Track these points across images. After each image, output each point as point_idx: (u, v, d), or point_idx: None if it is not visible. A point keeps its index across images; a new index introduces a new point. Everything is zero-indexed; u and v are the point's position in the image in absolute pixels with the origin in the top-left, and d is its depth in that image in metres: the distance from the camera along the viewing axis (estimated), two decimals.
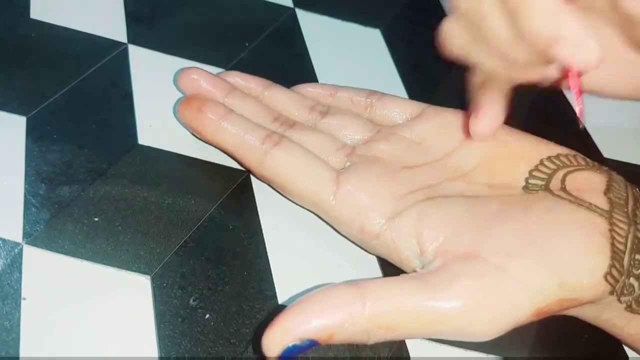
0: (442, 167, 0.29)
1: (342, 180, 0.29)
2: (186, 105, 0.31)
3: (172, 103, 0.34)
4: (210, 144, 0.32)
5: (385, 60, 0.40)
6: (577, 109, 0.26)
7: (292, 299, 0.28)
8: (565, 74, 0.26)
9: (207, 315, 0.27)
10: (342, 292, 0.23)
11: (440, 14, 0.44)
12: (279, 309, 0.27)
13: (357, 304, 0.23)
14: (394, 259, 0.28)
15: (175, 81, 0.33)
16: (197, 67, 0.32)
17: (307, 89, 0.34)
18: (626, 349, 0.29)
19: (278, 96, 0.33)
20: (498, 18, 0.25)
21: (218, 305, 0.27)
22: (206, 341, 0.26)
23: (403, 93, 0.38)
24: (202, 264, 0.28)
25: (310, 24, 0.41)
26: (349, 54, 0.40)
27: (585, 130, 0.38)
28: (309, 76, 0.38)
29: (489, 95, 0.28)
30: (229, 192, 0.31)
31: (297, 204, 0.31)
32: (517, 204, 0.27)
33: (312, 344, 0.23)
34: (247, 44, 0.39)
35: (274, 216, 0.31)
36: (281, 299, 0.28)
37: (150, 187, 0.31)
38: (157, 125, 0.33)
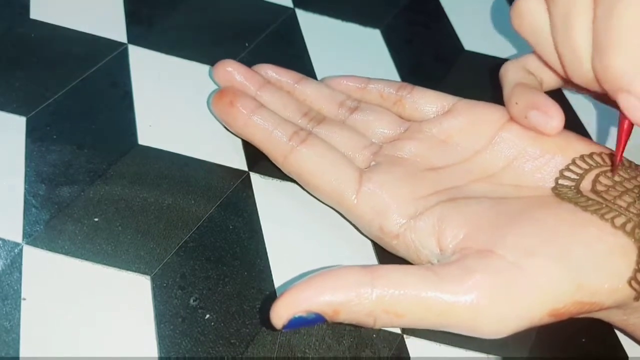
0: (469, 168, 0.29)
1: (364, 179, 0.29)
2: (219, 98, 0.32)
3: (172, 103, 0.34)
4: (240, 137, 0.32)
5: (385, 60, 0.40)
6: (617, 158, 0.27)
7: None
8: (621, 114, 0.27)
9: (207, 316, 0.27)
10: (353, 272, 0.24)
11: (440, 14, 0.44)
12: None
13: (366, 285, 0.23)
14: (412, 258, 0.28)
15: (211, 73, 0.34)
16: (232, 60, 0.33)
17: (336, 80, 0.34)
18: (626, 349, 0.29)
19: (308, 90, 0.33)
20: (585, 22, 0.26)
21: (218, 305, 0.27)
22: (206, 341, 0.26)
23: None
24: (202, 264, 0.28)
25: (310, 24, 0.41)
26: (349, 54, 0.40)
27: (585, 130, 0.38)
28: (309, 76, 0.38)
29: (544, 94, 0.29)
30: (229, 192, 0.31)
31: (297, 204, 0.31)
32: (541, 205, 0.26)
33: (318, 318, 0.23)
34: (247, 44, 0.39)
35: (274, 216, 0.31)
36: None
37: (150, 187, 0.31)
38: (157, 125, 0.33)
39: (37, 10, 0.38)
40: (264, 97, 0.32)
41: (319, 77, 0.38)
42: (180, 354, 0.25)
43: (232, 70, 0.33)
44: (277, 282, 0.28)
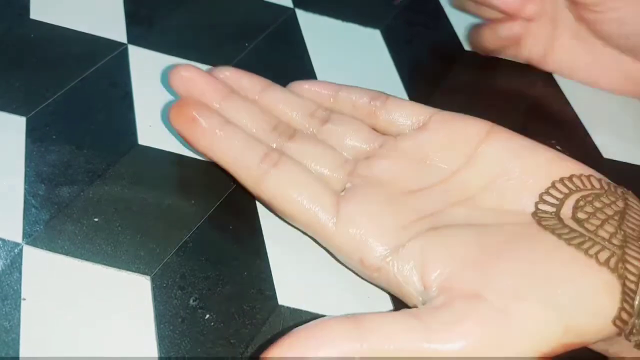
0: (447, 189, 0.28)
1: (342, 206, 0.27)
2: (178, 111, 0.29)
3: (172, 103, 0.34)
4: (204, 156, 0.30)
5: (385, 60, 0.40)
6: None
7: (292, 299, 0.28)
8: None
9: (207, 316, 0.27)
10: (339, 326, 0.23)
11: (440, 14, 0.44)
12: (279, 309, 0.27)
13: (354, 341, 0.22)
14: (395, 292, 0.27)
15: (166, 79, 0.31)
16: (190, 65, 0.30)
17: (304, 86, 0.32)
18: None
19: (276, 99, 0.31)
20: None
21: (218, 305, 0.27)
22: (206, 341, 0.26)
23: (403, 93, 0.38)
24: (202, 264, 0.28)
25: (310, 24, 0.41)
26: (349, 54, 0.40)
27: (585, 130, 0.38)
28: (309, 76, 0.38)
29: None
30: (229, 192, 0.31)
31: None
32: (524, 237, 0.26)
33: None
34: (247, 44, 0.39)
35: (274, 216, 0.31)
36: (281, 299, 0.28)
37: (149, 187, 0.31)
38: (157, 125, 0.33)
39: (37, 11, 0.38)
40: (229, 110, 0.30)
41: (319, 77, 0.38)
42: (180, 354, 0.25)
43: (190, 77, 0.30)
44: (277, 282, 0.28)
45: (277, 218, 0.30)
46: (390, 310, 0.28)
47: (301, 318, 0.27)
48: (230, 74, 0.31)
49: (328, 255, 0.29)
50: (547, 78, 0.40)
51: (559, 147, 0.36)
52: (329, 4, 0.43)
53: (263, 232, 0.30)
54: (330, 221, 0.27)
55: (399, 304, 0.28)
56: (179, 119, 0.29)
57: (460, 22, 0.43)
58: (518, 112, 0.38)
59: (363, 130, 0.31)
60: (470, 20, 0.44)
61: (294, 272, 0.29)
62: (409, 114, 0.31)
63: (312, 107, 0.31)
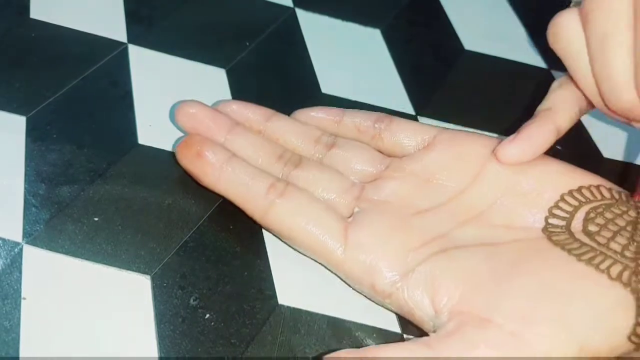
0: (456, 208, 0.28)
1: (350, 233, 0.27)
2: (185, 148, 0.30)
3: (172, 103, 0.34)
4: (211, 191, 0.30)
5: (385, 60, 0.40)
6: None
7: (292, 299, 0.28)
8: None
9: (207, 315, 0.27)
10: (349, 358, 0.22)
11: (440, 14, 0.44)
12: (279, 309, 0.27)
13: None
14: (408, 317, 0.27)
15: (173, 116, 0.31)
16: (196, 101, 0.31)
17: (310, 114, 0.32)
18: None
19: (281, 128, 0.31)
20: (625, 44, 0.24)
21: (218, 305, 0.27)
22: (206, 341, 0.26)
23: (403, 93, 0.38)
24: (202, 264, 0.28)
25: (310, 24, 0.41)
26: (349, 54, 0.40)
27: (585, 130, 0.38)
28: (309, 76, 0.38)
29: (540, 125, 0.28)
30: None
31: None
32: (534, 255, 0.25)
33: None
34: (247, 44, 0.39)
35: None
36: (281, 299, 0.28)
37: (150, 187, 0.31)
38: (157, 125, 0.33)
39: (37, 10, 0.38)
40: (234, 142, 0.30)
41: (319, 77, 0.38)
42: (180, 354, 0.25)
43: (196, 113, 0.30)
44: (277, 282, 0.28)
45: None
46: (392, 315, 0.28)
47: (301, 318, 0.27)
48: (236, 107, 0.32)
49: None
50: (547, 78, 0.40)
51: (559, 147, 0.36)
52: (329, 3, 0.43)
53: (263, 232, 0.30)
54: (339, 248, 0.27)
55: None
56: (186, 155, 0.30)
57: (460, 22, 0.43)
58: (518, 112, 0.38)
59: (369, 153, 0.31)
60: (470, 20, 0.44)
61: (294, 272, 0.29)
62: (413, 134, 0.31)
63: (317, 134, 0.31)
